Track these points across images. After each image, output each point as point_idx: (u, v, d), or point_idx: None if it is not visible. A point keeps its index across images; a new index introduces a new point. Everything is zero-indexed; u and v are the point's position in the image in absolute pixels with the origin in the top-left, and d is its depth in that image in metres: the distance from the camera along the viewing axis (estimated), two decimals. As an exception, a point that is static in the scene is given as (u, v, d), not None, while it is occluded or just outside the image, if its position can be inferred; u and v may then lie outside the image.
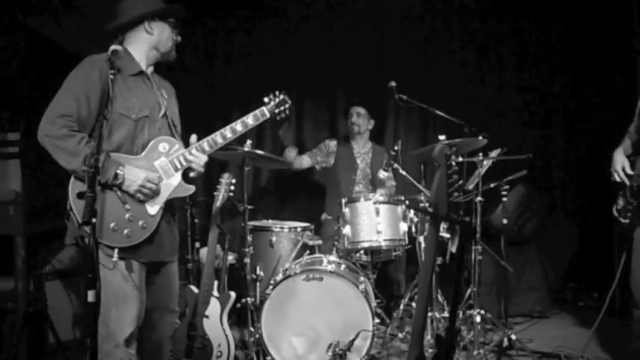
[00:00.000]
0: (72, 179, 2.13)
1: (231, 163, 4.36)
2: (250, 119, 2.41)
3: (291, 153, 4.42)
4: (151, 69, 2.39)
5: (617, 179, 2.86)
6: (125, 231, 2.13)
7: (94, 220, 1.69)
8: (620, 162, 2.87)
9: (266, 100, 2.48)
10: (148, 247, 2.22)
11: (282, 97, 2.50)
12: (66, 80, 2.18)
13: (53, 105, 2.13)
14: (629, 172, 2.82)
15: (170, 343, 2.52)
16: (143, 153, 2.24)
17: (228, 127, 2.37)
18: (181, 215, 3.58)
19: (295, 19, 4.97)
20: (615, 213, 2.89)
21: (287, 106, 2.50)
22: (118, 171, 2.11)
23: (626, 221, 2.83)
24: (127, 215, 2.15)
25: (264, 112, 2.44)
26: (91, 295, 1.60)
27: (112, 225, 2.10)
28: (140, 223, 2.17)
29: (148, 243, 2.21)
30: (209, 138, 2.35)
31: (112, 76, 2.01)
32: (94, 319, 1.62)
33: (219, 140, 2.35)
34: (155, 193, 2.21)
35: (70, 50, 3.83)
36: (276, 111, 2.47)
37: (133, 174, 2.15)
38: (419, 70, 4.85)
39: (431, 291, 3.25)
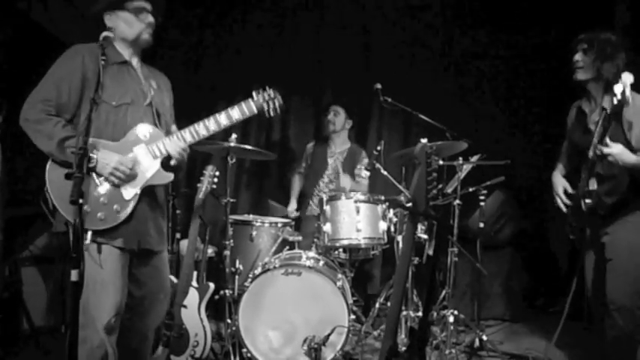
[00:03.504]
0: (49, 162, 2.16)
1: (215, 156, 4.36)
2: (235, 112, 2.32)
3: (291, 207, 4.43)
4: (135, 59, 2.39)
5: (560, 203, 2.81)
6: (99, 214, 2.15)
7: (81, 200, 1.70)
8: (561, 184, 2.83)
9: (254, 94, 2.36)
10: (127, 233, 2.22)
11: (271, 92, 2.37)
12: (50, 68, 2.23)
13: (35, 91, 2.19)
14: (570, 191, 2.77)
15: (154, 334, 2.52)
16: (124, 138, 2.26)
17: (211, 118, 2.32)
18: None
19: (284, 16, 5.02)
20: (567, 229, 2.82)
21: (277, 103, 2.36)
22: (92, 155, 2.13)
23: (574, 237, 2.79)
24: (101, 199, 2.17)
25: (250, 105, 2.33)
26: (74, 275, 1.61)
27: (85, 207, 2.10)
28: (115, 207, 2.19)
29: (127, 229, 2.21)
30: (191, 127, 2.32)
31: (102, 62, 2.02)
32: (76, 299, 1.63)
33: (202, 132, 2.30)
34: (129, 178, 2.21)
35: (56, 36, 3.81)
36: (264, 106, 2.34)
37: (107, 157, 2.17)
38: (404, 74, 4.91)
39: (406, 285, 3.31)
